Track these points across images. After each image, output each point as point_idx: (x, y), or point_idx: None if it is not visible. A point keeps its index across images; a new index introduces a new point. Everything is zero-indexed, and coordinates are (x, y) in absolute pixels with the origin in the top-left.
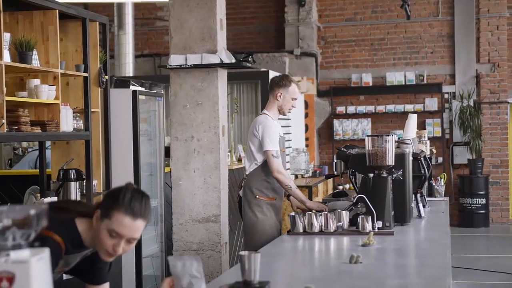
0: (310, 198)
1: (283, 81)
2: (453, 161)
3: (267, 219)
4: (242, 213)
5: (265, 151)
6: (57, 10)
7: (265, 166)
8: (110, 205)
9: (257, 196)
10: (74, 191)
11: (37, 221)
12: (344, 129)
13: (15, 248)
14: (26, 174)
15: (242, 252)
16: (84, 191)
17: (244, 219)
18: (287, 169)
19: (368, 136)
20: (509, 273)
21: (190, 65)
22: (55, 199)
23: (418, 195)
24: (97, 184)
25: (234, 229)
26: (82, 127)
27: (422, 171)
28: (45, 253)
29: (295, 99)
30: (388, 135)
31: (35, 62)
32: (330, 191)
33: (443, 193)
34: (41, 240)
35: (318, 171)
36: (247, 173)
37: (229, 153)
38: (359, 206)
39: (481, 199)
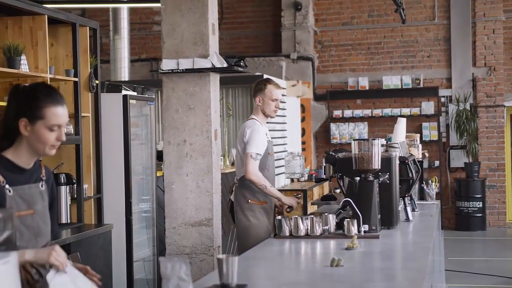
0: (305, 202)
1: (258, 85)
2: (449, 165)
3: (260, 223)
4: (234, 217)
5: (246, 153)
6: (46, 16)
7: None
8: (35, 108)
9: (249, 201)
10: (65, 196)
11: (4, 225)
12: (341, 132)
13: None
14: None
15: (219, 256)
16: (75, 196)
17: (237, 224)
18: (282, 173)
19: (354, 140)
20: (504, 276)
21: (182, 69)
22: None
23: (407, 198)
24: (88, 188)
25: (228, 232)
26: (72, 132)
27: (410, 175)
28: (12, 257)
29: (275, 99)
30: (375, 139)
31: (24, 67)
32: None
33: (434, 196)
34: None
35: (314, 174)
36: (238, 177)
37: (222, 157)
38: (346, 209)
39: (478, 202)
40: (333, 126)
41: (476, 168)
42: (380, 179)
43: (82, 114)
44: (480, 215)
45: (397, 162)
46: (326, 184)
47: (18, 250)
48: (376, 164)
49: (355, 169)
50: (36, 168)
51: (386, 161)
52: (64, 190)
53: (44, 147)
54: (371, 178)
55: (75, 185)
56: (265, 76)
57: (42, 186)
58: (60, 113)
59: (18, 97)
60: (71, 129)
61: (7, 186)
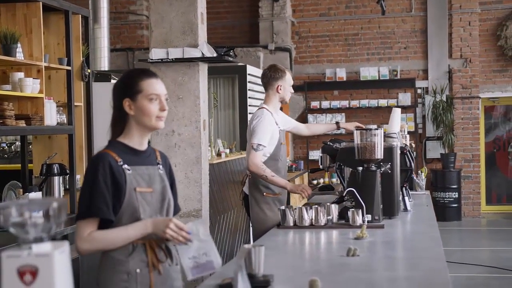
0: (288, 193)
1: (278, 73)
2: (426, 156)
3: (275, 215)
4: (249, 210)
5: (249, 143)
6: (41, 3)
7: (270, 162)
8: (133, 85)
9: (264, 194)
10: (58, 186)
11: (59, 214)
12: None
13: (37, 241)
14: (7, 169)
15: (246, 245)
16: (67, 186)
17: (253, 217)
18: None
19: (357, 129)
20: (481, 265)
21: (172, 59)
22: (39, 194)
23: (404, 188)
24: (80, 178)
25: (215, 223)
26: (65, 121)
27: (408, 164)
28: (66, 246)
29: (291, 84)
30: (377, 129)
31: (19, 55)
32: None
33: (424, 186)
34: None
35: (293, 166)
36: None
37: (209, 148)
38: (345, 199)
39: (454, 193)
40: (310, 117)
41: (452, 159)
42: (382, 169)
43: (75, 104)
44: (455, 205)
45: (398, 152)
46: (305, 175)
47: (141, 220)
48: (379, 153)
49: (358, 159)
50: (151, 152)
51: (388, 151)
52: (57, 181)
53: (150, 119)
54: (373, 168)
55: (68, 175)
56: (248, 67)
57: (160, 169)
58: (155, 83)
59: (117, 84)
60: (64, 118)
61: (125, 165)
